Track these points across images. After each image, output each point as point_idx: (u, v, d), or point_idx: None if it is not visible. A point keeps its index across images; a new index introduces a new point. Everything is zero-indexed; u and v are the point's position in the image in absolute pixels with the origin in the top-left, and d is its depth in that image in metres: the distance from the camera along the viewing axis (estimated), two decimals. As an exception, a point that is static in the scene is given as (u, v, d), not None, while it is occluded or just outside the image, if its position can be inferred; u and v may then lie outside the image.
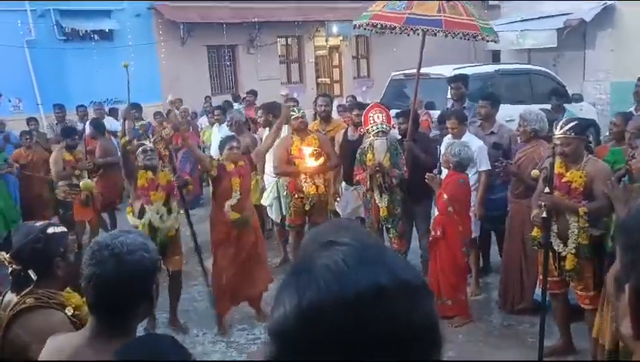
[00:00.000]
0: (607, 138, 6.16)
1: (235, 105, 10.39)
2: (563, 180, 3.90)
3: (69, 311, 1.93)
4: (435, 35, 5.30)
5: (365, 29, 5.76)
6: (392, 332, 0.71)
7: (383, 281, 0.72)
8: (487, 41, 5.85)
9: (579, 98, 9.87)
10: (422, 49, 5.42)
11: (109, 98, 11.72)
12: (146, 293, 1.55)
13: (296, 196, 5.65)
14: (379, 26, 5.48)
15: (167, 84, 12.58)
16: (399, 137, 5.66)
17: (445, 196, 4.73)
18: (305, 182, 5.60)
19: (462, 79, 6.82)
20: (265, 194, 6.39)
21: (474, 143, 5.23)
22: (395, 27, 5.23)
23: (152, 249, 1.57)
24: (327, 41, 16.64)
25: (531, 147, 4.80)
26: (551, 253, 3.94)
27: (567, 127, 3.85)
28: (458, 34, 5.27)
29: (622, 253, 0.80)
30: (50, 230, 2.02)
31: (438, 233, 4.81)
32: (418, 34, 5.25)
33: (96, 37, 12.70)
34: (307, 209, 5.64)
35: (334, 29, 15.88)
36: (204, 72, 14.34)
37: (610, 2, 12.69)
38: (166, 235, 4.80)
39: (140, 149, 4.84)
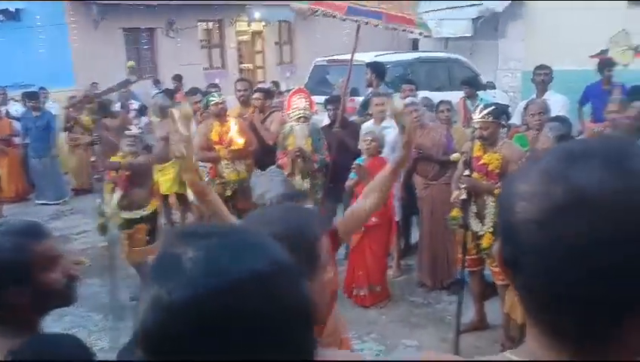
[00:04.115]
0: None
1: (155, 90, 10.08)
2: (480, 162, 4.06)
3: None
4: (376, 26, 5.34)
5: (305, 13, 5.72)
6: (271, 317, 0.70)
7: (258, 267, 0.71)
8: (424, 36, 6.01)
9: (492, 85, 10.30)
10: (356, 38, 5.45)
11: (17, 82, 11.01)
12: (15, 280, 1.38)
13: (217, 182, 5.56)
14: (318, 11, 5.43)
15: (80, 68, 11.99)
16: (328, 123, 5.69)
17: None
18: (226, 167, 5.52)
19: (372, 66, 6.95)
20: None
21: (392, 129, 5.35)
22: (336, 15, 5.21)
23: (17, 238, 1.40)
24: (249, 26, 16.42)
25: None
26: (470, 233, 4.11)
27: (485, 112, 4.01)
28: (395, 28, 5.35)
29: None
30: None
31: (374, 219, 4.86)
32: (359, 24, 5.27)
33: (0, 17, 11.88)
34: (229, 195, 5.56)
35: (257, 14, 15.68)
36: (121, 55, 13.74)
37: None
38: None
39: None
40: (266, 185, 6.16)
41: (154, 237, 5.06)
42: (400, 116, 2.54)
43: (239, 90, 6.43)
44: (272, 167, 5.08)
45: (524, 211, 0.72)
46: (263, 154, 5.73)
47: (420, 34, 5.64)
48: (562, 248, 0.68)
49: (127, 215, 4.93)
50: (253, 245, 0.75)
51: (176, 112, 2.24)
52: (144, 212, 5.01)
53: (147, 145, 6.11)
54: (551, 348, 0.74)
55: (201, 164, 5.90)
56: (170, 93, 8.30)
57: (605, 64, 7.43)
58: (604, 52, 9.06)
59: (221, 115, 5.56)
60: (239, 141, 5.42)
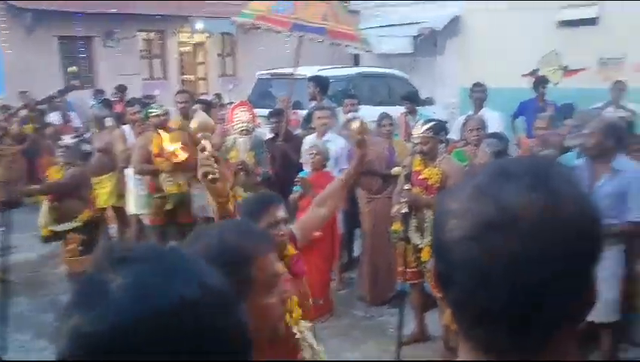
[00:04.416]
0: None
1: (92, 102, 9.78)
2: (421, 177, 4.15)
3: None
4: (321, 42, 5.38)
5: (249, 28, 5.69)
6: (200, 346, 0.67)
7: (188, 293, 0.68)
8: (366, 51, 6.12)
9: (431, 101, 10.57)
10: (298, 53, 5.47)
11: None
12: None
13: (156, 196, 5.43)
14: (263, 27, 5.42)
15: (12, 77, 11.48)
16: (271, 136, 5.66)
17: None
18: (166, 181, 5.40)
19: (315, 80, 7.02)
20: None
21: (337, 142, 5.39)
22: (280, 31, 5.22)
23: None
24: (191, 37, 16.22)
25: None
26: (411, 246, 4.17)
27: (425, 127, 4.10)
28: (339, 43, 5.41)
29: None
30: None
31: (317, 233, 4.85)
32: (301, 39, 5.29)
33: None
34: (169, 209, 5.44)
35: (199, 25, 15.52)
36: (55, 64, 13.25)
37: (457, 13, 13.77)
38: None
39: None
40: (207, 198, 6.07)
41: (90, 249, 4.88)
42: (358, 135, 2.49)
43: (180, 102, 6.34)
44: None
45: (456, 228, 0.73)
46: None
47: (362, 49, 5.75)
48: (492, 265, 0.70)
49: (56, 227, 4.76)
50: (184, 270, 0.72)
51: (194, 124, 2.01)
52: (74, 224, 4.83)
53: (85, 155, 5.90)
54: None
55: (138, 177, 5.77)
56: (108, 104, 8.07)
57: (540, 81, 7.77)
58: (535, 71, 9.49)
59: (162, 127, 5.44)
60: (181, 154, 5.32)
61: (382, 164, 5.21)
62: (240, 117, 5.17)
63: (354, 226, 5.81)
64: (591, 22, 11.81)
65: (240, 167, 5.02)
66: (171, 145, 5.33)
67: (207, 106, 6.45)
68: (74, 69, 11.85)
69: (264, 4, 5.35)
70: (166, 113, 5.57)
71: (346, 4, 14.17)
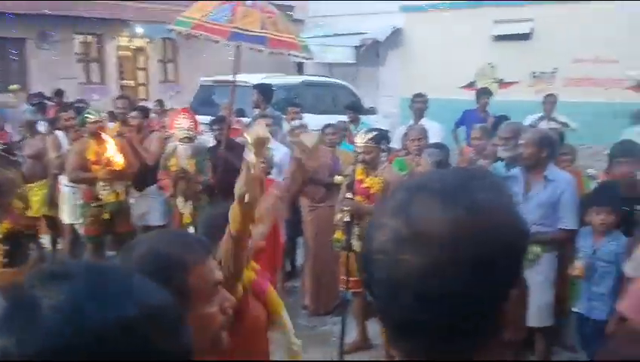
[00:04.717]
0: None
1: (25, 107, 9.36)
2: (363, 186, 4.19)
3: None
4: (260, 51, 5.31)
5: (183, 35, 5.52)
6: None
7: (125, 313, 0.64)
8: (306, 59, 6.10)
9: (373, 111, 10.73)
10: (237, 62, 5.40)
11: None
12: None
13: (93, 205, 5.23)
14: (200, 35, 5.28)
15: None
16: (213, 144, 5.58)
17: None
18: (103, 189, 5.22)
19: (259, 87, 7.00)
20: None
21: (280, 150, 5.37)
22: (218, 40, 5.10)
23: None
24: (131, 41, 15.83)
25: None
26: (353, 254, 4.19)
27: (367, 137, 4.14)
28: (281, 52, 5.37)
29: None
30: None
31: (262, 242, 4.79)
32: (240, 48, 5.20)
33: None
34: (107, 218, 5.25)
35: (139, 29, 15.17)
36: (-16, 66, 12.64)
37: (399, 25, 14.08)
38: None
39: None
40: (146, 206, 5.92)
41: (16, 261, 4.63)
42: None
43: (118, 108, 6.17)
44: (152, 187, 4.88)
45: (375, 241, 0.76)
46: (142, 175, 5.49)
47: (304, 57, 5.75)
48: (404, 278, 0.72)
49: None
50: (121, 288, 0.68)
51: (251, 136, 1.81)
52: None
53: (11, 162, 5.62)
54: None
55: (73, 185, 5.55)
56: (42, 108, 7.75)
57: (482, 93, 8.01)
58: (472, 83, 9.80)
59: (98, 134, 5.26)
60: (119, 161, 5.16)
61: (325, 172, 5.23)
62: (181, 124, 5.07)
63: (296, 235, 5.79)
64: (524, 37, 12.34)
65: (181, 175, 4.93)
66: (108, 152, 5.16)
67: (144, 113, 6.28)
68: (15, 87, 11.25)
69: (201, 11, 5.21)
70: (103, 119, 5.39)
71: (290, 13, 14.22)
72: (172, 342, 0.70)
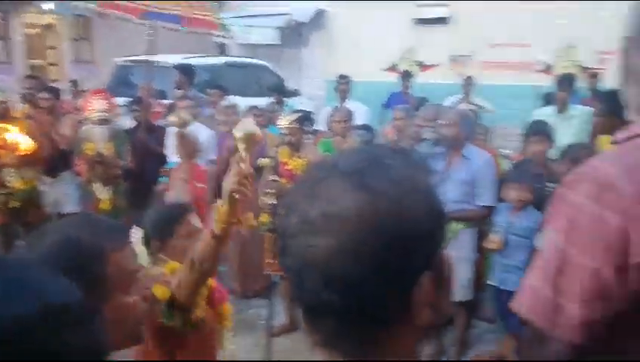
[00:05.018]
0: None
1: None
2: (287, 168, 4.16)
3: None
4: (177, 30, 5.10)
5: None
6: None
7: (24, 311, 0.60)
8: (226, 39, 5.93)
9: (298, 93, 10.70)
10: (152, 41, 5.18)
11: None
12: None
13: (1, 193, 4.90)
14: (110, 15, 4.98)
15: None
16: (133, 126, 5.37)
17: (201, 184, 4.64)
18: (10, 175, 4.89)
19: (181, 68, 6.80)
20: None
21: (203, 132, 5.24)
22: (130, 19, 4.85)
23: None
24: (40, 18, 14.88)
25: None
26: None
27: (291, 118, 4.11)
28: (196, 31, 5.18)
29: None
30: None
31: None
32: (152, 27, 4.97)
33: None
34: (16, 206, 4.93)
35: (47, 5, 14.27)
36: None
37: (322, 7, 14.05)
38: None
39: None
40: (60, 193, 5.62)
41: None
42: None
43: (25, 88, 5.79)
44: (66, 173, 4.63)
45: (286, 225, 0.74)
46: (55, 160, 5.20)
47: (224, 37, 5.61)
48: (312, 262, 0.71)
49: None
50: (21, 285, 0.63)
51: (238, 133, 1.72)
52: None
53: None
54: (325, 357, 0.77)
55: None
56: None
57: (404, 75, 8.16)
58: (395, 66, 9.93)
59: (4, 116, 4.91)
60: (27, 145, 4.84)
61: (255, 156, 5.15)
62: (96, 105, 4.83)
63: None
64: (443, 21, 12.67)
65: (97, 159, 4.70)
66: (16, 136, 4.83)
67: (56, 94, 5.94)
68: None
69: None
70: (8, 100, 5.04)
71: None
72: (80, 338, 0.65)
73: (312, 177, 0.76)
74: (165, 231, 2.21)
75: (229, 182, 1.74)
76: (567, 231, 1.05)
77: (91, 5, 4.92)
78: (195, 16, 4.92)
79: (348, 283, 0.69)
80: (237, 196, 1.72)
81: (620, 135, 1.15)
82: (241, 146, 1.79)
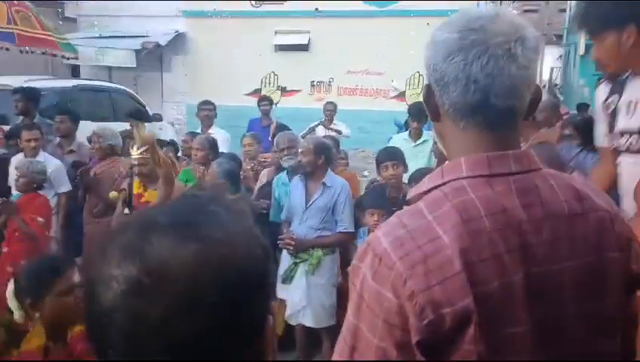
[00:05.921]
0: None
1: None
2: (142, 200, 3.94)
3: None
4: (8, 50, 4.66)
5: None
6: None
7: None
8: (67, 59, 5.55)
9: (159, 118, 10.33)
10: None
11: None
12: None
13: None
14: None
15: None
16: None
17: (40, 219, 4.25)
18: None
19: (24, 92, 6.25)
20: None
21: (51, 163, 4.85)
22: None
23: None
24: None
25: (110, 162, 4.89)
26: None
27: (143, 148, 3.89)
28: (33, 51, 4.78)
29: None
30: None
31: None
32: None
33: None
34: None
35: None
36: None
37: (181, 30, 13.79)
38: None
39: None
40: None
41: None
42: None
43: None
44: None
45: (103, 299, 0.66)
46: None
47: (67, 58, 5.27)
48: (150, 330, 0.64)
49: None
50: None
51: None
52: None
53: None
54: None
55: None
56: None
57: (262, 100, 8.16)
58: (257, 91, 10.03)
59: None
60: None
61: (109, 185, 4.83)
62: None
63: (77, 253, 5.26)
64: (303, 47, 13.04)
65: None
66: None
67: None
68: None
69: None
70: None
71: (59, 9, 13.01)
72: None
73: (126, 239, 0.68)
74: (39, 286, 2.00)
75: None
76: (358, 305, 0.97)
77: None
78: (31, 34, 4.55)
79: (192, 344, 0.65)
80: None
81: (414, 190, 1.07)
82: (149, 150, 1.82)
